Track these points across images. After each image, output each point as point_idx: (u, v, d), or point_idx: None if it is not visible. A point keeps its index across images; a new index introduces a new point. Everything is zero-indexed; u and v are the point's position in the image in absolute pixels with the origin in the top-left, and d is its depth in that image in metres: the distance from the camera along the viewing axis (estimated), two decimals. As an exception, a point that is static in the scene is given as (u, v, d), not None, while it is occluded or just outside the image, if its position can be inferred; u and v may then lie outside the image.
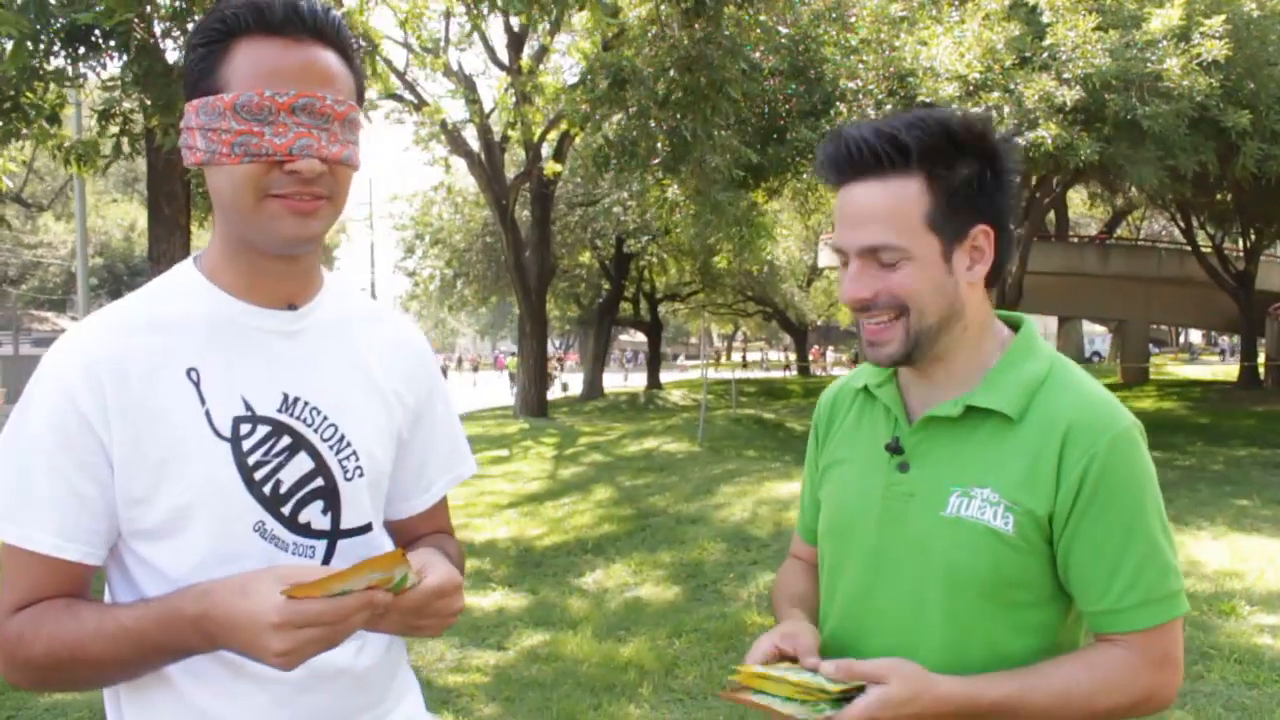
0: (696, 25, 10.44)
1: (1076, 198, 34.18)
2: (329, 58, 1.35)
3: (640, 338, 49.10)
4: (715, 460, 13.44)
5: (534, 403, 23.86)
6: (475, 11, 9.85)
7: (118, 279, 45.25)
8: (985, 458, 1.49)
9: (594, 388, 33.37)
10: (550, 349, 34.88)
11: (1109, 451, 1.44)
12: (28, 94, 8.30)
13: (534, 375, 24.08)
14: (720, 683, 5.33)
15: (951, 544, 1.48)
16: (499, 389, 41.86)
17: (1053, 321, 44.70)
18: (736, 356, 61.42)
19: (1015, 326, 1.62)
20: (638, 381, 43.50)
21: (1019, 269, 18.28)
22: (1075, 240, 33.62)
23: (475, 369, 63.70)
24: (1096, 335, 54.98)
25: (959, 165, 1.46)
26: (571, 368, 52.64)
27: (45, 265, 43.95)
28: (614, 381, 43.27)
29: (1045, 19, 12.58)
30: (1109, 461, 1.44)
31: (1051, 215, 30.73)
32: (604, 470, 13.62)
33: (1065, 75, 11.97)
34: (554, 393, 33.79)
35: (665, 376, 43.09)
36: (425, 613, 1.31)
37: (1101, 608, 1.46)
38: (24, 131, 9.08)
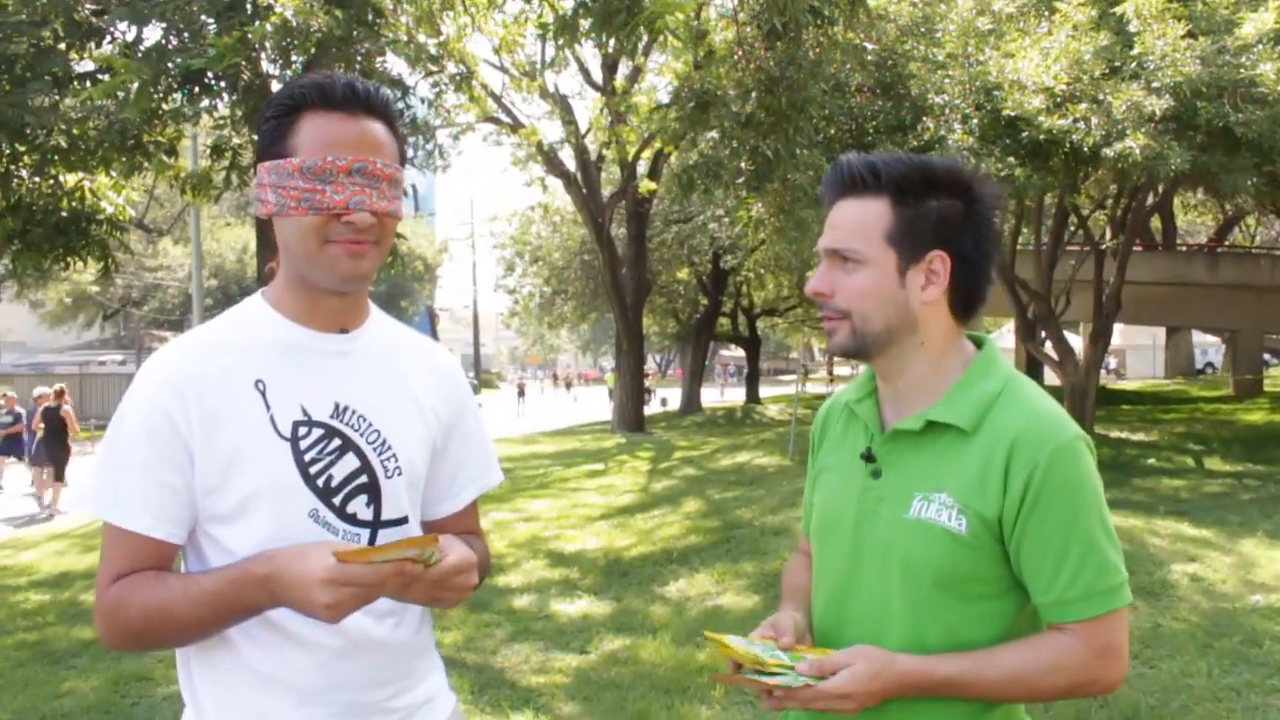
0: (779, 46, 10.64)
1: (1184, 205, 33.29)
2: (378, 128, 1.66)
3: (740, 352, 49.11)
4: (804, 473, 13.51)
5: (631, 418, 24.19)
6: (564, 40, 10.19)
7: (231, 299, 46.89)
8: (943, 466, 1.68)
9: (692, 403, 33.59)
10: (651, 365, 35.16)
11: (1050, 461, 1.61)
12: (148, 132, 8.92)
13: (631, 391, 24.42)
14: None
15: (911, 542, 1.67)
16: (600, 404, 42.36)
17: (1161, 333, 43.48)
18: (823, 372, 60.95)
19: (978, 343, 1.83)
20: (734, 397, 43.48)
21: (1116, 280, 17.94)
22: (1183, 248, 32.72)
23: (569, 386, 64.08)
24: (1209, 346, 53.15)
25: (928, 198, 1.69)
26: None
27: (164, 287, 45.85)
28: (709, 397, 43.32)
29: (1133, 28, 12.45)
30: (1050, 470, 1.61)
31: (1158, 224, 30.00)
32: (695, 484, 13.85)
33: (1154, 84, 11.83)
34: (653, 408, 34.09)
35: (765, 392, 43.00)
36: (445, 585, 1.56)
37: (1049, 600, 1.64)
38: (145, 165, 9.74)
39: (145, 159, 9.23)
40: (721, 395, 48.45)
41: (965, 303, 1.76)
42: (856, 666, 1.59)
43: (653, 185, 21.61)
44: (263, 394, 1.65)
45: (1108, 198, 22.94)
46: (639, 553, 9.34)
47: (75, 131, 8.98)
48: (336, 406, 1.70)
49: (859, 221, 1.71)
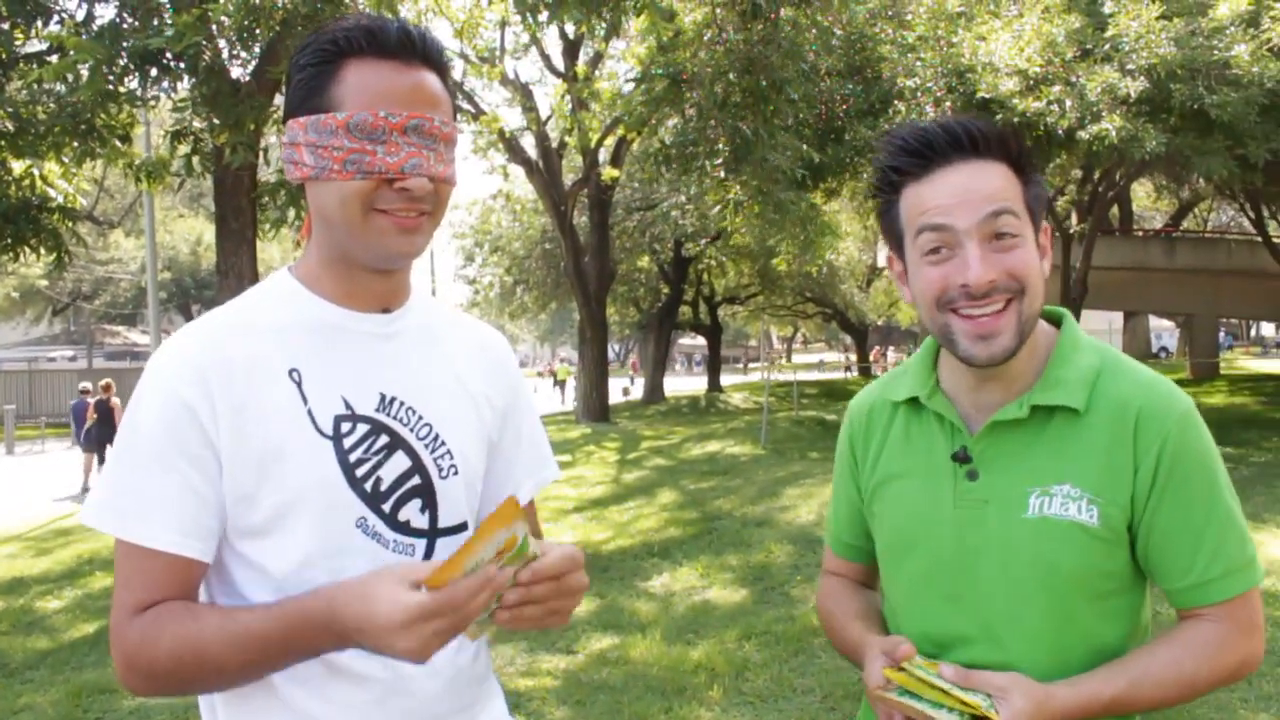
0: (752, 28, 10.44)
1: (1141, 191, 33.53)
2: (434, 81, 1.41)
3: (699, 341, 48.95)
4: (779, 462, 13.41)
5: (595, 407, 23.95)
6: (531, 21, 9.91)
7: (185, 292, 46.16)
8: (1058, 454, 1.50)
9: (655, 392, 33.42)
10: (610, 354, 34.97)
11: (1179, 431, 1.47)
12: (102, 115, 8.53)
13: (595, 380, 24.18)
14: (791, 685, 5.34)
15: (1041, 544, 1.48)
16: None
17: (1117, 317, 43.93)
18: (782, 360, 60.51)
19: (1051, 320, 1.63)
20: (673, 386, 43.24)
21: (1083, 264, 18.02)
22: (1140, 234, 33.01)
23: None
24: (1164, 330, 53.92)
25: (1027, 165, 1.50)
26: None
27: (116, 281, 44.96)
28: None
29: (1107, 9, 12.41)
30: (1181, 441, 1.47)
31: (1115, 209, 30.22)
32: (667, 474, 13.64)
33: (1129, 66, 11.78)
34: (615, 397, 33.85)
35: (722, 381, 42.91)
36: (562, 591, 1.32)
37: (1188, 583, 1.49)
38: (99, 151, 9.35)
39: (99, 144, 8.84)
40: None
41: None
42: (1017, 705, 1.38)
43: (615, 173, 21.35)
44: (298, 385, 1.40)
45: (1070, 183, 23.06)
46: (617, 546, 9.12)
47: (23, 115, 8.58)
48: (382, 398, 1.46)
49: (1004, 184, 1.46)
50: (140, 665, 1.32)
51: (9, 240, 9.80)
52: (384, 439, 1.44)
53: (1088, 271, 18.28)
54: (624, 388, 41.42)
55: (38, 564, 9.61)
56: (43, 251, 10.26)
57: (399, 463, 1.45)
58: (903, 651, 1.48)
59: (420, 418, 1.48)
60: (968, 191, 1.45)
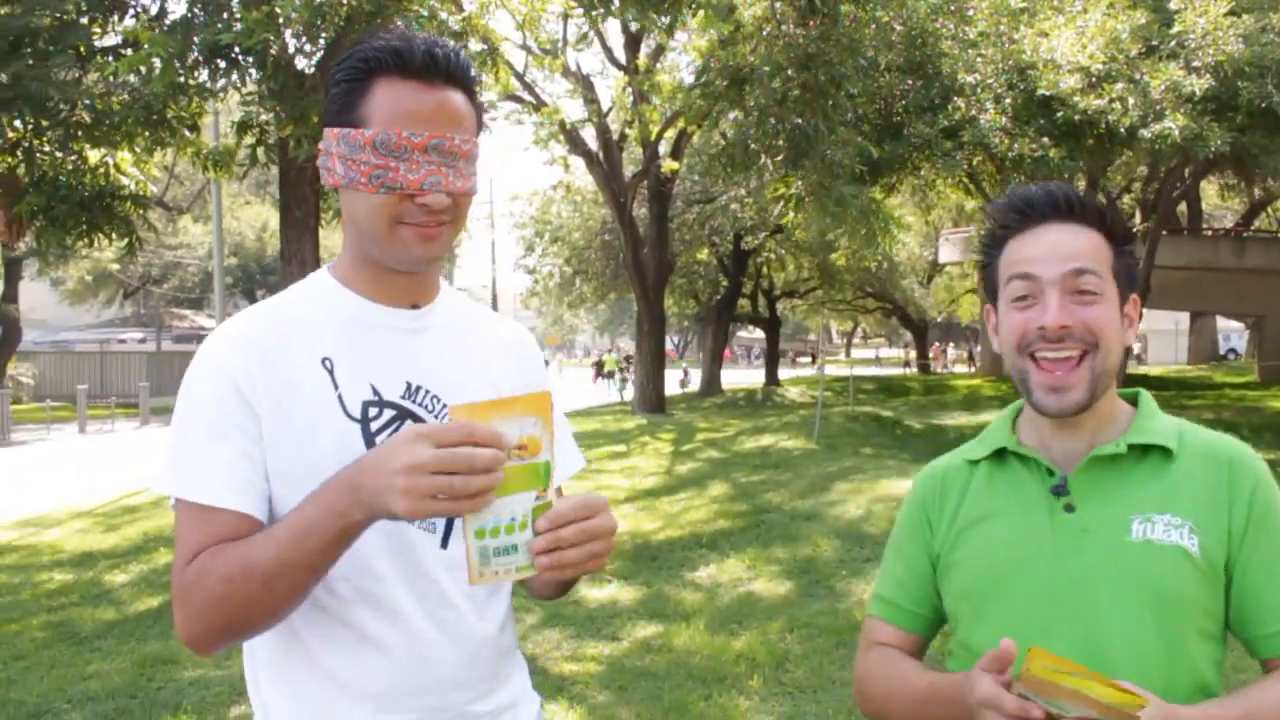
0: (812, 23, 10.47)
1: (1210, 189, 32.86)
2: (458, 99, 1.53)
3: (758, 334, 48.78)
4: (831, 457, 13.42)
5: (652, 399, 24.03)
6: (593, 16, 10.03)
7: (250, 278, 46.99)
8: (1157, 487, 1.58)
9: (712, 384, 33.44)
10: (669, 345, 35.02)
11: (1266, 480, 1.58)
12: (172, 106, 8.81)
13: (651, 371, 24.26)
14: (830, 677, 5.41)
15: (1150, 565, 1.52)
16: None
17: (1184, 318, 43.10)
18: (842, 355, 59.43)
19: (1128, 399, 1.74)
20: (731, 378, 43.09)
21: (1146, 263, 17.76)
22: (1209, 233, 32.33)
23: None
24: (1232, 332, 52.80)
25: (1120, 237, 1.66)
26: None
27: (184, 265, 45.89)
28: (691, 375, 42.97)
29: (1173, 5, 12.23)
30: (1269, 489, 1.57)
31: (1183, 207, 29.67)
32: (720, 466, 13.70)
33: (1194, 63, 11.62)
34: (672, 388, 33.91)
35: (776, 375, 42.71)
36: (587, 534, 1.34)
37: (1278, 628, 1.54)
38: (169, 140, 9.65)
39: (169, 134, 9.15)
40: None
41: None
42: (1149, 712, 1.37)
43: (675, 165, 21.40)
44: (330, 372, 1.53)
45: (1134, 181, 22.70)
46: (667, 536, 9.22)
47: (99, 106, 8.90)
48: (409, 386, 1.58)
49: (1092, 248, 1.60)
50: (195, 599, 1.41)
51: (84, 226, 10.16)
52: (409, 424, 1.55)
53: (1151, 270, 18.01)
54: (680, 379, 41.28)
55: (106, 539, 9.95)
56: (115, 237, 10.62)
57: None
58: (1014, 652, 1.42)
59: (444, 405, 1.60)
60: (1056, 246, 1.60)
